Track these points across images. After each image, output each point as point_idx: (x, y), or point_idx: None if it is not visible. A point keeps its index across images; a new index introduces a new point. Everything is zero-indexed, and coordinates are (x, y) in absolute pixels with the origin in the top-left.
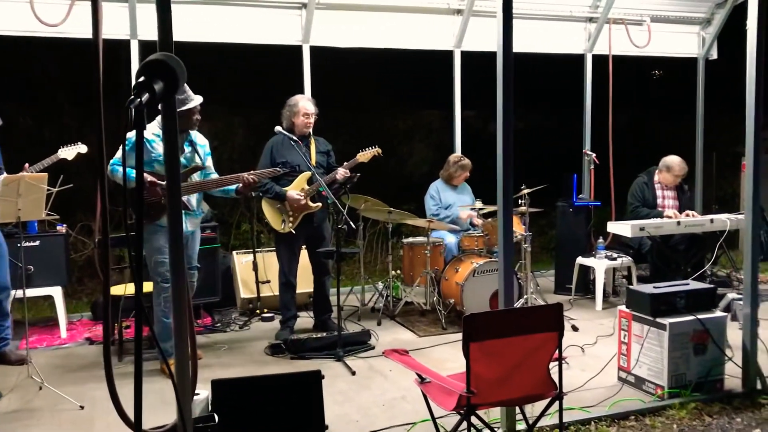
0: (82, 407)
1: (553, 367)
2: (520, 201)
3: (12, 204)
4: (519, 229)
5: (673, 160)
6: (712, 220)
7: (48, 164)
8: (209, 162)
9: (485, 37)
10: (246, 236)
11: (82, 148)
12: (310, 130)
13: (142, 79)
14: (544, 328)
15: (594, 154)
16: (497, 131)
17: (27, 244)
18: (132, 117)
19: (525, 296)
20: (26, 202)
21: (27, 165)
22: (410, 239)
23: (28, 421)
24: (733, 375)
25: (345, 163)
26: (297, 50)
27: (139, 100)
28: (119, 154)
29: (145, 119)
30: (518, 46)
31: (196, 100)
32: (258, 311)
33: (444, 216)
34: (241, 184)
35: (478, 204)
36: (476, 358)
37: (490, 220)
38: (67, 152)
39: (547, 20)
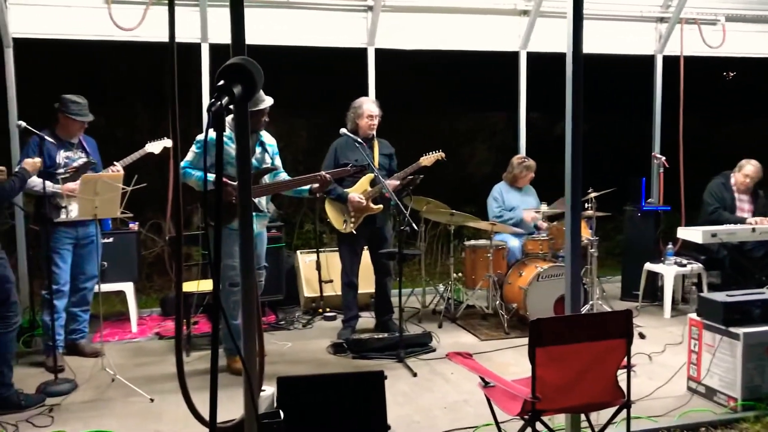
0: (152, 400)
1: (620, 374)
2: (586, 204)
3: (90, 202)
4: (585, 233)
5: (751, 163)
6: None
7: (135, 158)
8: (278, 161)
9: (552, 38)
10: (308, 236)
11: (169, 143)
12: (374, 132)
13: (221, 82)
14: (612, 335)
15: (663, 158)
16: (566, 134)
17: (102, 240)
18: (212, 120)
19: (591, 302)
20: (103, 201)
21: (115, 162)
22: (472, 242)
23: (101, 410)
24: None
25: (404, 170)
26: (361, 52)
27: (219, 103)
28: (189, 156)
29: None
30: (587, 47)
31: (267, 102)
32: (320, 310)
33: (507, 218)
34: (316, 184)
35: (544, 207)
36: (542, 363)
37: (555, 223)
38: (154, 146)
39: (616, 21)
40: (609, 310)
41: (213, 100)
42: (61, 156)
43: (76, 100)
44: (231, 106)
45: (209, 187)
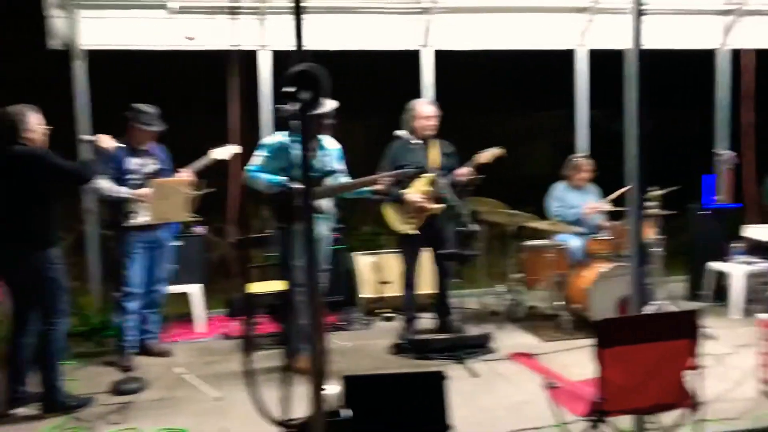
0: (219, 398)
1: (689, 376)
2: (650, 203)
3: (159, 206)
4: (649, 232)
5: None
6: None
7: (203, 165)
8: (341, 165)
9: (612, 35)
10: (366, 237)
11: (236, 148)
12: (431, 133)
13: (290, 88)
14: (679, 335)
15: (734, 154)
16: (626, 131)
17: (171, 243)
18: (280, 123)
19: (655, 302)
20: (172, 205)
21: (181, 169)
22: (533, 242)
23: (170, 409)
24: None
25: (462, 167)
26: (416, 54)
27: (288, 108)
28: (256, 160)
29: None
30: (649, 42)
31: (328, 105)
32: (379, 311)
33: (567, 215)
34: (380, 186)
35: (606, 205)
36: (608, 364)
37: (618, 222)
38: (220, 153)
39: (679, 15)
40: (675, 310)
41: (281, 105)
42: (133, 163)
43: (146, 110)
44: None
45: (276, 189)
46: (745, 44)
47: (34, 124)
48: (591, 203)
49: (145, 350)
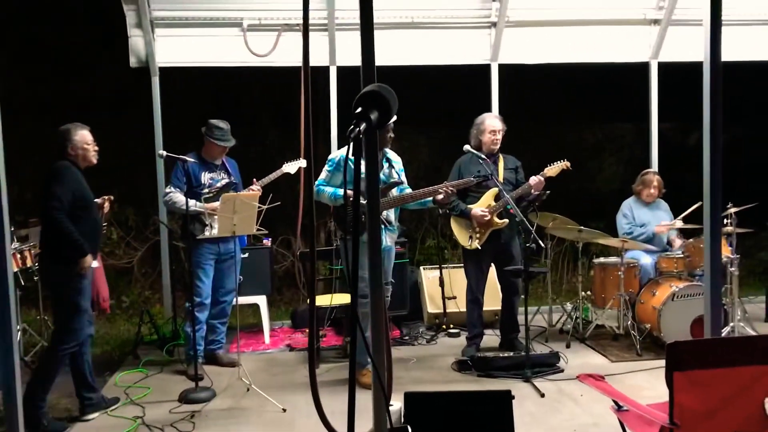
0: (284, 410)
1: None
2: (726, 220)
3: (228, 220)
4: (725, 250)
5: None
6: None
7: (273, 178)
8: (403, 177)
9: (686, 47)
10: (431, 251)
11: (303, 163)
12: (498, 147)
13: (359, 109)
14: (760, 360)
15: None
16: (703, 145)
17: (239, 256)
18: (352, 145)
19: (731, 324)
20: (240, 219)
21: (255, 180)
22: (602, 259)
23: (237, 419)
24: None
25: (527, 182)
26: (485, 68)
27: (357, 129)
28: (322, 175)
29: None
30: (726, 55)
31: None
32: (444, 326)
33: (638, 234)
34: (441, 195)
35: (678, 223)
36: (680, 388)
37: (691, 240)
38: (290, 167)
39: (755, 25)
40: (752, 332)
41: (352, 126)
42: (206, 177)
43: (219, 126)
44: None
45: (340, 202)
46: None
47: (80, 141)
48: (663, 222)
49: (213, 360)
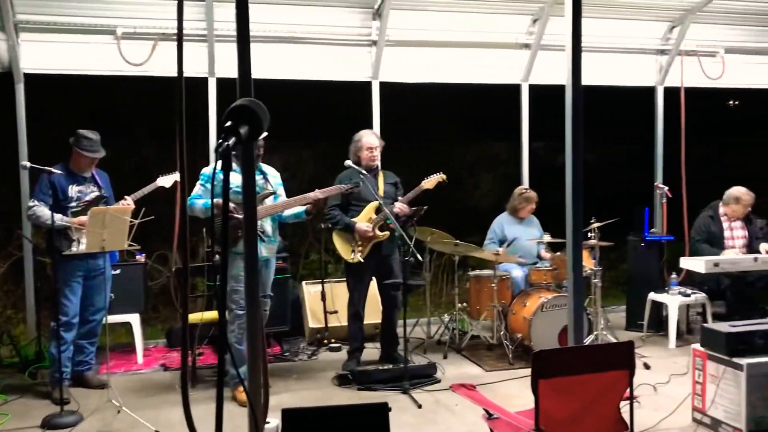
0: (157, 431)
1: (624, 406)
2: (589, 234)
3: (97, 235)
4: (589, 263)
5: (740, 191)
6: None
7: (147, 192)
8: (281, 191)
9: (554, 71)
10: (314, 266)
11: (178, 176)
12: (377, 163)
13: (228, 123)
14: (615, 366)
15: (666, 188)
16: (566, 164)
17: (110, 272)
18: (220, 159)
19: (595, 332)
20: (111, 233)
21: (126, 197)
22: (477, 272)
23: None
24: None
25: (406, 194)
26: (366, 85)
27: (226, 144)
28: (196, 189)
29: (232, 160)
30: (588, 79)
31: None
32: (326, 341)
33: (492, 247)
34: (310, 205)
35: (547, 237)
36: (545, 395)
37: (559, 253)
38: (165, 180)
39: (618, 53)
40: (614, 340)
41: (220, 140)
42: (74, 190)
43: (88, 136)
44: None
45: (214, 212)
46: (679, 82)
47: None
48: (534, 237)
49: (81, 382)
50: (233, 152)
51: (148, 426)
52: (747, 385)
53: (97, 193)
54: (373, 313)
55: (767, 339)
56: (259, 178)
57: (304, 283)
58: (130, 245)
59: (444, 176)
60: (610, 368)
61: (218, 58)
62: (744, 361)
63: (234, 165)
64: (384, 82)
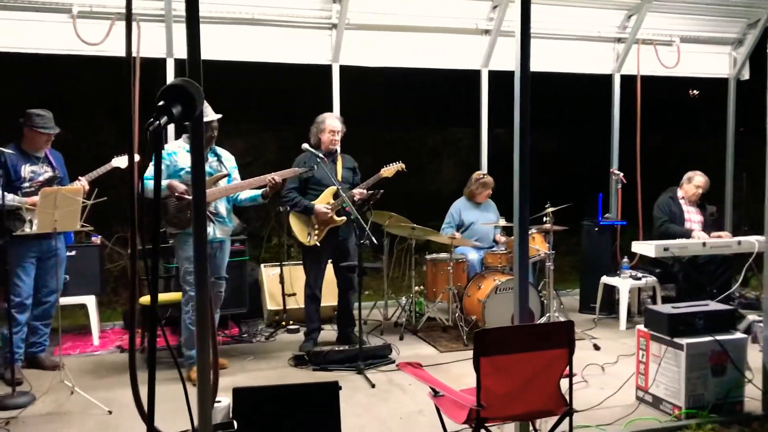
0: (110, 412)
1: (567, 384)
2: (544, 219)
3: (49, 215)
4: (543, 247)
5: (694, 172)
6: (739, 242)
7: (102, 173)
8: (236, 174)
9: (514, 57)
10: (276, 250)
11: (135, 157)
12: (337, 147)
13: (161, 103)
14: (555, 345)
15: (621, 174)
16: (514, 150)
17: (64, 253)
18: (150, 138)
19: (547, 314)
20: (62, 214)
21: (80, 177)
22: (433, 255)
23: (57, 423)
24: (753, 397)
25: (366, 181)
26: (327, 69)
27: (157, 122)
28: (150, 170)
29: (164, 139)
30: (546, 65)
31: (210, 117)
32: (284, 323)
33: (445, 230)
34: (267, 188)
35: (502, 221)
36: (487, 372)
37: (512, 237)
38: (121, 161)
39: (575, 40)
40: (554, 321)
41: (151, 119)
42: (27, 170)
43: (40, 113)
44: (185, 123)
45: (163, 194)
46: (635, 70)
47: None
48: (490, 221)
49: (34, 363)
50: (186, 134)
51: (101, 407)
52: (686, 364)
53: (50, 174)
54: (331, 296)
55: (707, 320)
56: (213, 160)
57: (262, 265)
58: (83, 226)
59: (403, 165)
60: (550, 347)
61: (176, 39)
62: (684, 341)
63: (186, 144)
64: (344, 65)
